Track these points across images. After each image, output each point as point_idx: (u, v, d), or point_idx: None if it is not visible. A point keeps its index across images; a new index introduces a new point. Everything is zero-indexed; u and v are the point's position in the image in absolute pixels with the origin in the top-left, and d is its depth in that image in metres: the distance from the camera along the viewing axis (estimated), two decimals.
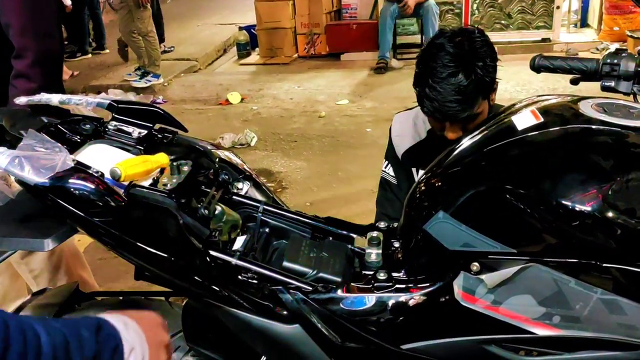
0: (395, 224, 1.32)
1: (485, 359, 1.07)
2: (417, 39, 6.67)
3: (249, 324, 1.13)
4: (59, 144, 1.07)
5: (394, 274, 1.15)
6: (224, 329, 1.18)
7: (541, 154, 1.05)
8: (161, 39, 7.07)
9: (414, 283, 1.12)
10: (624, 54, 1.27)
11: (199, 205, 1.19)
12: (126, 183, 1.11)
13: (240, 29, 7.63)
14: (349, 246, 1.28)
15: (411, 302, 1.10)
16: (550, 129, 1.08)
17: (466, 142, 1.17)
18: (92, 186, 1.05)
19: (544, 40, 6.67)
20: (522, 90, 5.26)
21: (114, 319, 0.76)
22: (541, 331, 1.01)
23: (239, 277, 1.14)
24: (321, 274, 1.16)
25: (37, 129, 1.14)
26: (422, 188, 1.20)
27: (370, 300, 1.12)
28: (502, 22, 6.71)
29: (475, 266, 1.03)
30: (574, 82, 1.41)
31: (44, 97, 1.30)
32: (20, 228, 1.08)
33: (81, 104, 1.32)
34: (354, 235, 1.31)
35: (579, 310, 0.98)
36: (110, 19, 8.18)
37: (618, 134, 1.03)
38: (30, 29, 1.75)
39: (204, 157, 1.34)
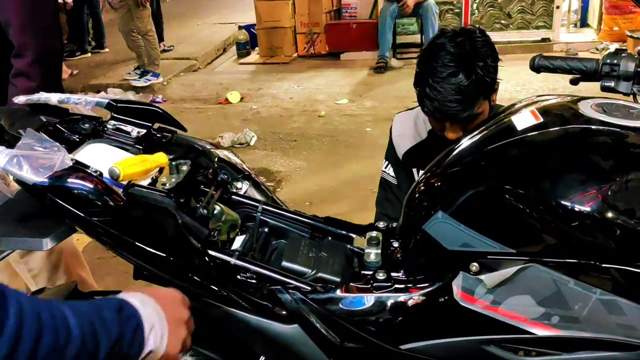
0: (395, 224, 1.31)
1: (484, 359, 1.07)
2: (416, 38, 6.67)
3: (247, 323, 1.13)
4: (58, 143, 1.07)
5: (393, 274, 1.14)
6: (223, 328, 1.18)
7: (541, 154, 1.05)
8: (160, 38, 7.07)
9: (413, 283, 1.12)
10: (623, 54, 1.27)
11: (198, 205, 1.18)
12: (125, 182, 1.11)
13: (240, 28, 7.63)
14: (348, 246, 1.28)
15: (410, 302, 1.10)
16: (550, 129, 1.08)
17: (465, 142, 1.17)
18: (91, 185, 1.05)
19: (543, 40, 6.67)
20: (521, 90, 5.26)
21: (133, 297, 0.76)
22: (540, 331, 1.01)
23: (238, 276, 1.14)
24: (320, 274, 1.16)
25: (35, 128, 1.14)
26: (422, 188, 1.20)
27: (369, 300, 1.12)
28: (502, 21, 6.71)
29: (474, 266, 1.03)
30: (574, 82, 1.41)
31: (42, 96, 1.30)
32: (19, 227, 1.08)
33: (80, 103, 1.31)
34: (353, 235, 1.31)
35: (578, 310, 0.98)
36: (110, 18, 8.18)
37: (617, 134, 1.02)
38: (29, 27, 1.76)
39: (203, 157, 1.34)
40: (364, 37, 6.78)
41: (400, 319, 1.11)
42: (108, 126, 1.31)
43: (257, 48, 7.43)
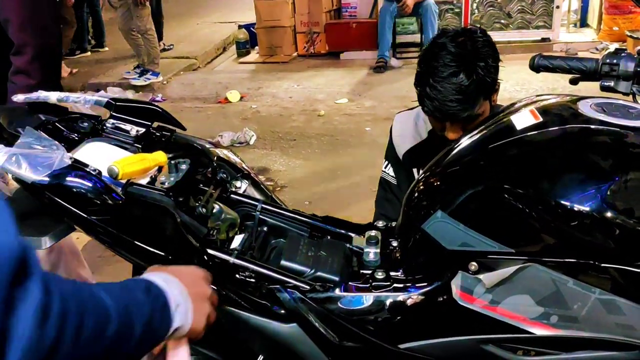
0: (394, 223, 1.31)
1: (483, 359, 1.07)
2: (416, 38, 6.67)
3: (246, 322, 1.13)
4: (57, 142, 1.07)
5: (392, 273, 1.14)
6: (222, 327, 1.18)
7: (540, 153, 1.05)
8: (160, 37, 7.06)
9: (412, 282, 1.12)
10: (623, 54, 1.26)
11: (197, 204, 1.18)
12: (124, 181, 1.11)
13: (240, 27, 7.62)
14: (347, 245, 1.28)
15: (409, 302, 1.10)
16: (549, 129, 1.08)
17: (465, 142, 1.17)
18: (90, 184, 1.05)
19: (543, 39, 6.66)
20: (521, 89, 5.26)
21: (158, 277, 0.78)
22: (539, 331, 1.01)
23: (237, 275, 1.14)
24: (319, 273, 1.16)
25: (34, 127, 1.14)
26: (421, 187, 1.20)
27: (368, 299, 1.12)
28: (502, 21, 6.70)
29: (473, 266, 1.03)
30: (573, 82, 1.41)
31: (41, 95, 1.30)
32: (18, 226, 1.08)
33: (79, 101, 1.31)
34: (352, 234, 1.31)
35: (577, 310, 0.98)
36: (110, 16, 8.17)
37: (617, 134, 1.02)
38: (29, 25, 1.76)
39: (202, 156, 1.34)
40: (364, 37, 6.77)
41: (399, 318, 1.11)
42: (107, 125, 1.31)
43: (256, 47, 7.43)
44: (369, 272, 1.16)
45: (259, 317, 1.12)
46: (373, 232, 1.25)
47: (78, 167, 1.06)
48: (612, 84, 1.26)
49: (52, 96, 1.30)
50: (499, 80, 1.52)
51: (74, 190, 1.04)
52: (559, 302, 0.99)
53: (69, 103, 1.32)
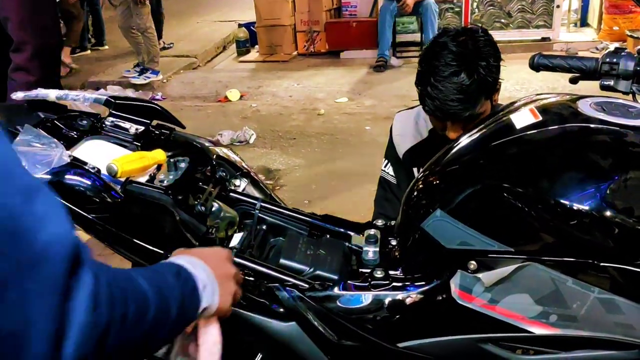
0: (393, 222, 1.31)
1: (482, 358, 1.07)
2: (416, 37, 6.66)
3: (245, 321, 1.13)
4: (56, 140, 1.07)
5: (391, 272, 1.14)
6: (220, 326, 1.18)
7: (539, 152, 1.05)
8: (159, 36, 7.05)
9: (410, 281, 1.12)
10: (623, 53, 1.26)
11: (196, 202, 1.18)
12: (123, 179, 1.11)
13: (240, 26, 7.61)
14: (346, 244, 1.28)
15: (408, 300, 1.10)
16: (549, 128, 1.08)
17: (464, 140, 1.17)
18: (89, 182, 1.05)
19: (543, 39, 6.66)
20: (521, 89, 5.26)
21: (184, 261, 0.81)
22: (538, 330, 1.01)
23: None
24: (318, 272, 1.16)
25: (33, 125, 1.14)
26: (420, 186, 1.19)
27: (367, 298, 1.11)
28: (502, 20, 6.70)
29: (472, 264, 1.03)
30: (573, 81, 1.41)
31: (41, 93, 1.30)
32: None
33: (78, 99, 1.31)
34: (352, 233, 1.31)
35: (576, 309, 0.98)
36: (110, 14, 8.16)
37: (616, 133, 1.02)
38: (29, 22, 1.76)
39: (201, 154, 1.34)
40: (364, 36, 6.76)
41: (397, 316, 1.11)
42: (106, 123, 1.31)
43: (256, 46, 7.42)
44: (368, 270, 1.16)
45: (257, 315, 1.12)
46: (372, 231, 1.25)
47: (77, 165, 1.06)
48: (611, 83, 1.26)
49: (51, 94, 1.30)
50: (500, 80, 1.52)
51: (73, 188, 1.04)
52: (558, 301, 0.98)
53: (68, 101, 1.32)
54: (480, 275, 1.02)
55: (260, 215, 1.32)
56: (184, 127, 1.38)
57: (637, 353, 1.00)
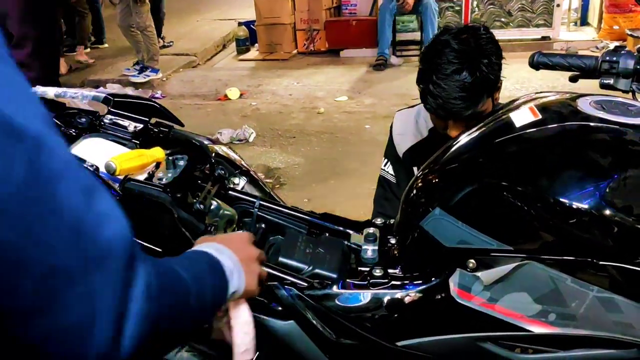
0: (392, 221, 1.31)
1: (481, 357, 1.06)
2: (416, 36, 6.65)
3: None
4: None
5: (390, 271, 1.14)
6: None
7: (539, 151, 1.05)
8: (159, 34, 7.05)
9: (409, 280, 1.12)
10: (622, 52, 1.26)
11: (195, 200, 1.18)
12: (121, 177, 1.11)
13: (240, 24, 7.61)
14: (345, 242, 1.27)
15: (407, 299, 1.10)
16: (549, 126, 1.07)
17: (464, 139, 1.17)
18: None
19: (544, 38, 6.66)
20: (521, 87, 5.25)
21: (209, 248, 0.85)
22: (537, 329, 1.01)
23: None
24: (317, 270, 1.16)
25: None
26: (419, 184, 1.19)
27: (365, 296, 1.11)
28: (502, 19, 6.69)
29: (471, 263, 1.03)
30: (573, 79, 1.41)
31: (39, 90, 1.30)
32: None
33: (77, 97, 1.31)
34: (351, 232, 1.31)
35: (575, 308, 0.98)
36: (110, 13, 8.16)
37: (616, 131, 1.02)
38: (29, 19, 1.76)
39: (200, 152, 1.34)
40: (364, 34, 6.76)
41: (396, 315, 1.11)
42: (105, 120, 1.31)
43: (256, 44, 7.41)
44: (367, 269, 1.16)
45: (256, 314, 1.12)
46: (371, 230, 1.24)
47: None
48: (611, 81, 1.26)
49: (50, 91, 1.30)
50: (502, 78, 1.51)
51: None
52: (557, 300, 0.98)
53: (67, 98, 1.32)
54: (479, 273, 1.02)
55: (259, 213, 1.32)
56: (182, 125, 1.38)
57: (636, 352, 1.00)
